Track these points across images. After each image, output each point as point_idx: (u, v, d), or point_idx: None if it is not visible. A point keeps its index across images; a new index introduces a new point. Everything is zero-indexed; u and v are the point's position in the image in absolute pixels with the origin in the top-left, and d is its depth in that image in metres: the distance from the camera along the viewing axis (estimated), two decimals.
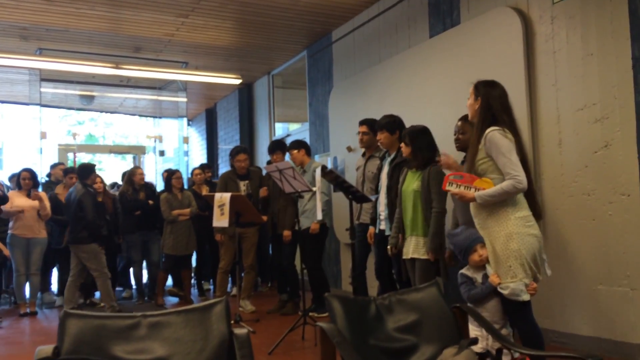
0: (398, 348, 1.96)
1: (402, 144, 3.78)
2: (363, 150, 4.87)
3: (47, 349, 1.65)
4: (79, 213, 5.48)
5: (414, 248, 3.64)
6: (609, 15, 3.51)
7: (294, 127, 8.47)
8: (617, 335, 3.52)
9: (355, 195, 3.36)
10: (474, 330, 2.45)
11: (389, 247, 3.92)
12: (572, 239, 3.78)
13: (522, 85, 3.99)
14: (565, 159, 3.81)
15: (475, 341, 1.87)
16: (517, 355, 2.13)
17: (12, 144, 10.10)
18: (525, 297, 2.72)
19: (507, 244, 2.71)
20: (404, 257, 3.73)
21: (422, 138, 3.73)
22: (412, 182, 3.70)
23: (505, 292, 2.73)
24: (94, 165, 5.86)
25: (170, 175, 6.48)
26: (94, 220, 5.55)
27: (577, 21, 3.70)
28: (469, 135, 3.03)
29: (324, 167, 3.38)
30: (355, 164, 4.97)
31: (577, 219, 3.74)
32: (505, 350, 2.24)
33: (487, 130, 2.78)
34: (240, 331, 1.79)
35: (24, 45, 6.88)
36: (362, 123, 4.76)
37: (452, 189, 2.81)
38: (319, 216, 3.91)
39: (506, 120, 2.84)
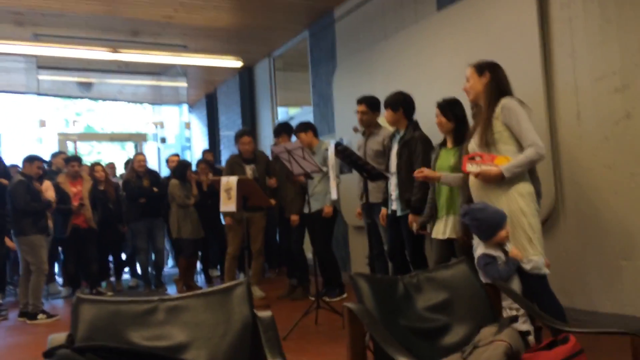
0: (430, 328, 1.85)
1: (440, 120, 3.59)
2: (363, 130, 4.76)
3: (61, 336, 1.55)
4: (15, 204, 5.21)
5: (452, 228, 3.51)
6: None
7: (293, 111, 8.32)
8: None
9: (371, 173, 3.23)
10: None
11: (415, 225, 3.81)
12: (593, 214, 3.66)
13: (536, 56, 3.85)
14: (584, 131, 3.68)
15: (515, 319, 1.76)
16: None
17: (10, 134, 9.96)
18: (545, 270, 2.70)
19: (522, 218, 2.69)
20: (437, 237, 3.61)
21: (460, 110, 3.59)
22: (447, 160, 3.52)
23: (527, 266, 2.66)
24: (37, 157, 5.57)
25: (185, 167, 6.47)
26: (26, 208, 5.18)
27: None
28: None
29: (337, 144, 3.24)
30: (357, 144, 4.85)
31: (597, 193, 3.63)
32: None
33: (504, 100, 2.76)
34: (263, 313, 1.69)
35: (19, 31, 6.71)
36: (360, 102, 4.62)
37: (473, 169, 2.70)
38: (334, 196, 3.78)
39: (513, 95, 2.83)
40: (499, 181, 2.69)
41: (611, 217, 3.56)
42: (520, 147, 2.74)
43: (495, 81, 2.81)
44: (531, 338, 1.95)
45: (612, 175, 3.53)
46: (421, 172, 3.25)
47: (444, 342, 1.87)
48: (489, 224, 2.69)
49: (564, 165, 3.80)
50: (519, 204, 2.69)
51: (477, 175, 2.71)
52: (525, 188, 2.72)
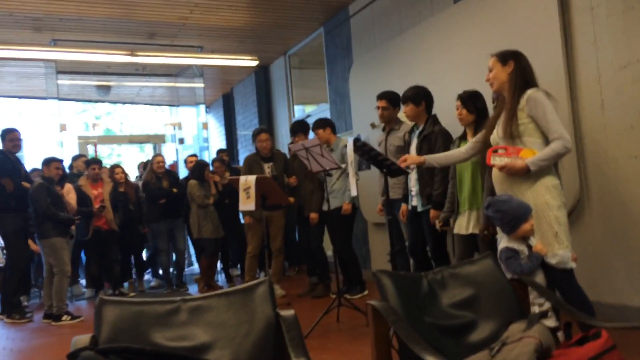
0: (456, 325, 1.82)
1: (461, 112, 3.55)
2: (383, 125, 4.71)
3: (84, 338, 1.54)
4: (36, 207, 5.27)
5: (475, 222, 3.46)
6: None
7: (309, 109, 8.30)
8: None
9: (390, 169, 3.19)
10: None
11: (437, 222, 3.76)
12: (619, 205, 3.57)
13: (558, 46, 3.77)
14: (609, 120, 3.59)
15: (545, 314, 1.72)
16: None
17: (31, 139, 10.13)
18: (572, 264, 2.63)
19: (547, 211, 2.62)
20: (460, 232, 3.56)
21: (481, 102, 3.53)
22: None
23: (553, 261, 2.59)
24: (51, 159, 5.61)
25: (203, 167, 6.48)
26: (47, 212, 5.23)
27: None
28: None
29: (356, 140, 3.21)
30: (377, 140, 4.80)
31: (623, 184, 3.54)
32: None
33: (530, 91, 2.69)
34: (286, 312, 1.67)
35: (38, 37, 6.80)
36: (380, 97, 4.57)
37: (498, 162, 2.64)
38: (354, 193, 3.74)
39: (538, 85, 2.76)
40: (525, 175, 2.63)
41: (638, 208, 3.47)
42: (546, 140, 2.68)
43: (519, 70, 2.74)
44: (560, 334, 1.91)
45: (638, 165, 3.44)
46: (404, 161, 3.16)
47: (470, 340, 1.83)
48: (513, 216, 2.62)
49: (588, 156, 3.72)
50: (544, 197, 2.63)
51: (501, 168, 2.65)
52: (551, 181, 2.66)
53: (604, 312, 3.68)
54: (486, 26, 4.33)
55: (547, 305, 2.67)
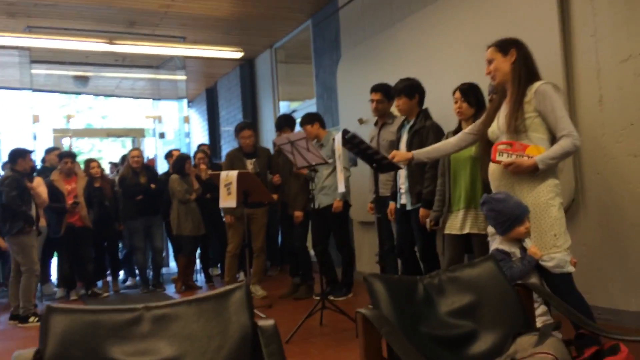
0: (455, 336, 1.62)
1: (461, 105, 3.36)
2: (375, 120, 4.53)
3: (27, 353, 1.32)
4: (3, 203, 4.96)
5: (472, 222, 3.27)
6: None
7: (293, 105, 8.08)
8: None
9: (381, 164, 2.99)
10: None
11: (428, 221, 3.57)
12: (617, 205, 3.42)
13: (556, 37, 3.60)
14: (607, 117, 3.43)
15: (558, 325, 1.53)
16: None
17: (5, 131, 9.77)
18: (570, 268, 2.48)
19: (547, 211, 2.47)
20: (452, 232, 3.38)
21: (481, 95, 3.35)
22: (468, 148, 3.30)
23: (550, 264, 2.44)
24: (26, 150, 5.28)
25: (183, 160, 6.27)
26: (10, 204, 4.91)
27: None
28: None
29: (344, 132, 3.00)
30: (369, 135, 4.61)
31: (622, 183, 3.38)
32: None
33: (538, 83, 2.51)
34: (265, 323, 1.45)
35: (11, 23, 6.49)
36: (375, 90, 4.40)
37: (504, 159, 2.45)
38: (341, 188, 3.54)
39: (541, 76, 2.58)
40: (532, 173, 2.44)
41: (637, 208, 3.31)
42: (551, 136, 2.51)
43: (523, 60, 2.55)
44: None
45: (638, 164, 3.29)
46: (393, 158, 2.95)
47: (471, 352, 1.64)
48: (508, 217, 2.46)
49: (585, 154, 3.55)
50: (546, 197, 2.47)
51: (508, 165, 2.46)
52: (553, 181, 2.50)
53: (598, 316, 3.51)
54: (480, 17, 4.16)
55: (541, 309, 2.51)
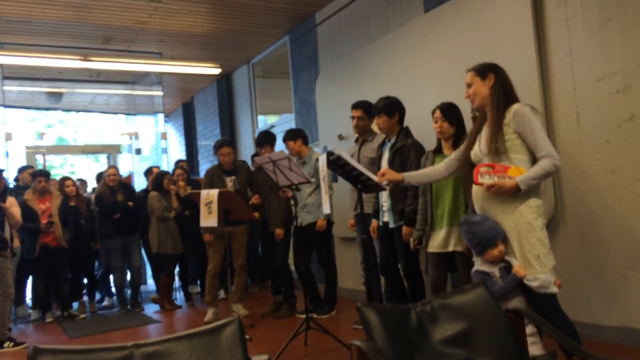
0: None
1: (441, 125, 3.38)
2: (356, 136, 4.54)
3: None
4: None
5: (456, 240, 3.29)
6: None
7: (272, 119, 8.06)
8: None
9: (366, 184, 2.99)
10: None
11: (412, 240, 3.58)
12: (595, 222, 3.48)
13: (532, 57, 3.67)
14: (584, 135, 3.50)
15: (554, 355, 1.54)
16: None
17: None
18: (554, 289, 2.51)
19: (531, 233, 2.50)
20: (434, 250, 3.39)
21: (460, 114, 3.38)
22: None
23: (534, 284, 2.46)
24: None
25: (161, 176, 6.19)
26: None
27: None
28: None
29: (329, 153, 2.99)
30: (349, 152, 4.62)
31: (600, 200, 3.45)
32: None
33: (516, 106, 2.57)
34: (259, 358, 1.43)
35: None
36: (356, 107, 4.42)
37: (487, 180, 2.49)
38: (326, 210, 3.53)
39: (519, 99, 2.65)
40: (514, 194, 2.48)
41: (615, 224, 3.38)
42: (532, 157, 2.55)
43: (501, 84, 2.62)
44: None
45: (615, 180, 3.36)
46: (382, 175, 2.95)
47: None
48: (480, 240, 2.54)
49: (563, 172, 3.62)
50: (528, 218, 2.50)
51: (490, 187, 2.49)
52: (535, 201, 2.53)
53: (581, 332, 3.53)
54: (458, 36, 4.22)
55: (529, 328, 2.53)
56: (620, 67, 3.27)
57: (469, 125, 3.41)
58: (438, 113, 3.41)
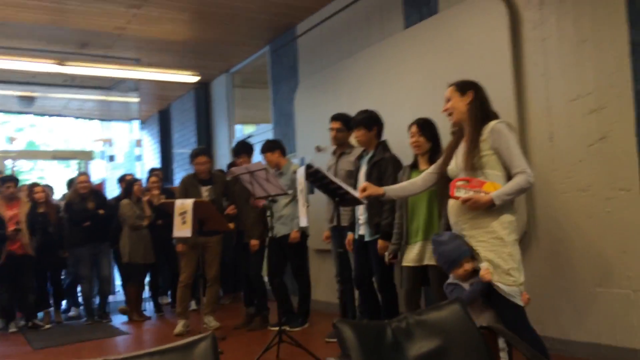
0: None
1: (417, 139, 3.41)
2: (333, 149, 4.54)
3: None
4: None
5: (430, 254, 3.28)
6: None
7: (250, 129, 8.03)
8: (618, 341, 3.30)
9: (344, 198, 2.98)
10: None
11: (387, 254, 3.58)
12: (566, 239, 3.54)
13: (508, 76, 3.74)
14: (558, 153, 3.57)
15: None
16: None
17: None
18: (520, 302, 2.53)
19: (502, 247, 2.53)
20: (409, 264, 3.39)
21: (436, 130, 3.42)
22: None
23: (503, 288, 2.49)
24: None
25: (132, 183, 6.10)
26: None
27: (569, 5, 3.46)
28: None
29: (308, 166, 2.98)
30: (327, 164, 4.62)
31: (571, 217, 3.51)
32: None
33: (493, 122, 2.61)
34: None
35: None
36: (335, 119, 4.43)
37: (462, 194, 2.51)
38: (303, 223, 3.51)
39: (497, 117, 2.69)
40: (488, 208, 2.50)
41: (585, 242, 3.44)
42: (507, 173, 2.59)
43: (479, 101, 2.66)
44: None
45: (587, 198, 3.42)
46: (364, 190, 2.93)
47: None
48: (446, 260, 2.58)
49: (536, 189, 3.66)
50: (500, 234, 2.54)
51: (465, 201, 2.51)
52: (507, 217, 2.57)
53: (550, 347, 3.58)
54: (436, 53, 4.27)
55: (501, 342, 2.54)
56: (594, 87, 3.35)
57: (445, 140, 3.44)
58: (415, 128, 3.43)
